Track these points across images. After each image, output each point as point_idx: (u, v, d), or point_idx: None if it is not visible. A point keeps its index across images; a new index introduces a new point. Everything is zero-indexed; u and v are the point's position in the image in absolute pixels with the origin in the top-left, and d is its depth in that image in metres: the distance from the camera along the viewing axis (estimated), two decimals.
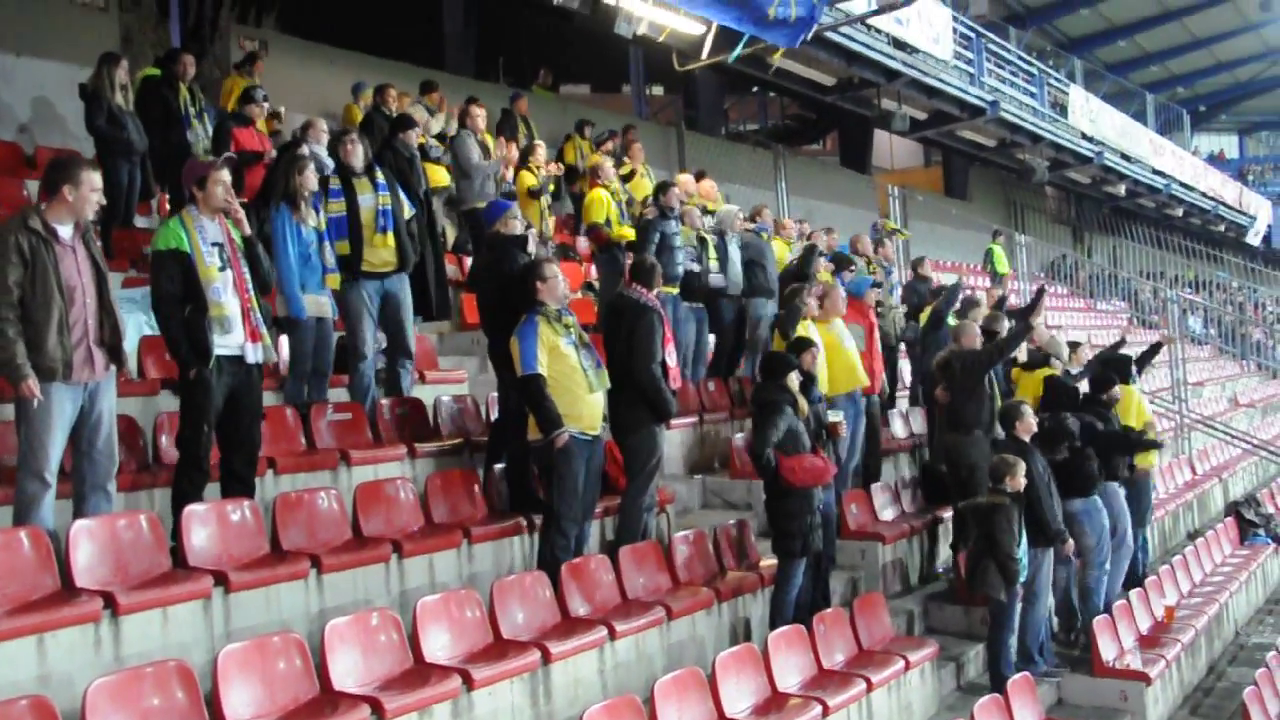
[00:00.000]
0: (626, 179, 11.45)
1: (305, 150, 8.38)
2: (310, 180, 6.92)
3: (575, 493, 6.22)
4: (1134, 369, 10.44)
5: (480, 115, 10.35)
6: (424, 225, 7.85)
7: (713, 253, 9.72)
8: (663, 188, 9.74)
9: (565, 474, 6.17)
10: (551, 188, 11.19)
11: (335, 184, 7.14)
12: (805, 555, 6.86)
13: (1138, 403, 10.17)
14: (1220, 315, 26.30)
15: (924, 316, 10.93)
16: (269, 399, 6.66)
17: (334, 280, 6.98)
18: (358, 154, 7.26)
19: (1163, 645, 8.50)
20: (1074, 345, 10.96)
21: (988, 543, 7.38)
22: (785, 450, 6.86)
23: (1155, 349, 12.07)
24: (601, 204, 10.02)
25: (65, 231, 4.89)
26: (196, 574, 4.94)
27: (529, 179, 10.64)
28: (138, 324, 6.85)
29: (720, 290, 9.77)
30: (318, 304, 6.90)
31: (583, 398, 6.23)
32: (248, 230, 5.64)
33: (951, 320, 10.29)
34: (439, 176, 10.29)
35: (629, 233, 9.94)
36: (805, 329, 8.30)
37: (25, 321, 4.73)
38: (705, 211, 10.51)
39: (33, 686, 4.13)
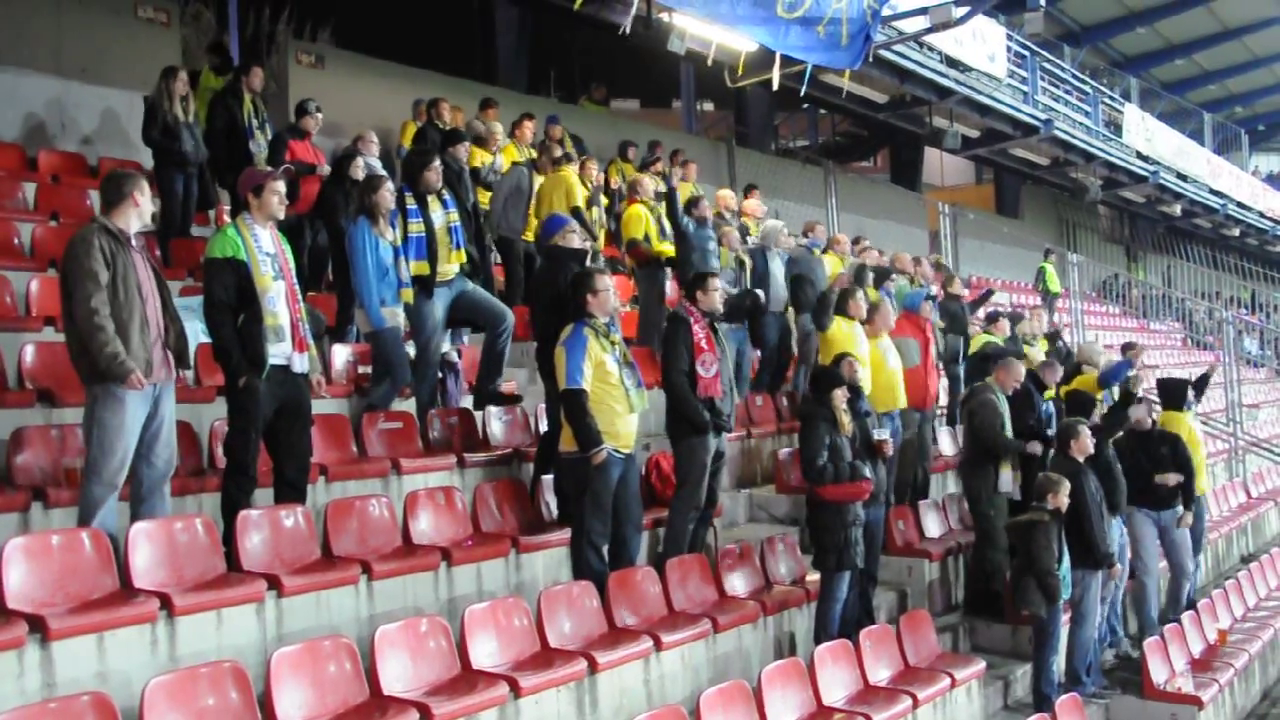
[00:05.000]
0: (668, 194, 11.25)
1: (360, 162, 8.53)
2: (387, 197, 7.02)
3: (606, 507, 6.21)
4: (1190, 393, 10.12)
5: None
6: (472, 236, 7.96)
7: (748, 275, 9.76)
8: (693, 202, 9.78)
9: (599, 490, 6.17)
10: (605, 201, 11.19)
11: (412, 204, 7.23)
12: (841, 569, 6.84)
13: (1190, 430, 9.85)
14: (1277, 336, 25.85)
15: (976, 341, 10.83)
16: (329, 407, 6.76)
17: (408, 295, 7.08)
18: (439, 180, 7.39)
19: (1215, 669, 8.39)
20: (1128, 346, 10.76)
21: (1028, 559, 7.35)
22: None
23: (1208, 375, 11.64)
24: (639, 220, 9.99)
25: (132, 238, 5.03)
26: (250, 577, 5.01)
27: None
28: (194, 331, 6.97)
29: (759, 308, 9.79)
30: (393, 316, 7.02)
31: (622, 415, 6.24)
32: None
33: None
34: (485, 198, 10.38)
35: (668, 249, 9.95)
36: (850, 336, 8.28)
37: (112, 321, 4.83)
38: (745, 233, 10.51)
39: (92, 683, 4.22)
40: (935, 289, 12.43)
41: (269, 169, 6.27)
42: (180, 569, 4.88)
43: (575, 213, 9.80)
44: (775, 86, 11.79)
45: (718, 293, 6.98)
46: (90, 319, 4.78)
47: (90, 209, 8.69)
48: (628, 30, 10.57)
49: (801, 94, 12.99)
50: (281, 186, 5.65)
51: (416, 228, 7.16)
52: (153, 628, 4.54)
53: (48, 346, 6.18)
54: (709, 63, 11.56)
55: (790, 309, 10.21)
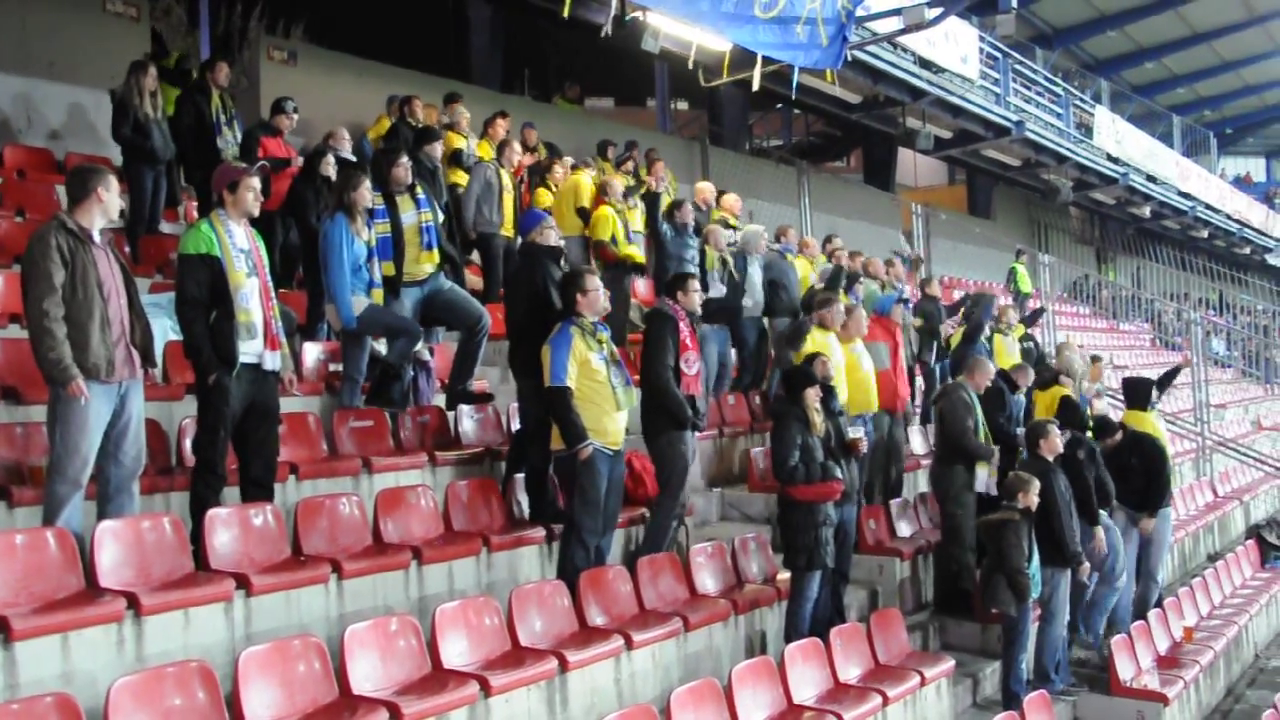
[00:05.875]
0: (649, 199, 11.08)
1: (331, 159, 8.48)
2: (365, 195, 6.99)
3: (597, 504, 6.24)
4: (1155, 392, 10.24)
5: (517, 153, 10.35)
6: (449, 234, 7.94)
7: (733, 274, 9.77)
8: (676, 205, 9.75)
9: (588, 486, 6.20)
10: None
11: (379, 203, 7.17)
12: (811, 569, 6.85)
13: (1155, 429, 9.93)
14: (1244, 337, 26.12)
15: (956, 337, 10.91)
16: (300, 405, 6.72)
17: (378, 295, 7.06)
18: (409, 176, 7.33)
19: (1181, 666, 8.47)
20: (1094, 359, 10.91)
21: (998, 558, 7.40)
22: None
23: (1175, 371, 11.94)
24: (607, 221, 9.95)
25: (96, 235, 4.99)
26: (218, 576, 4.98)
27: (546, 198, 10.56)
28: (163, 329, 6.92)
29: (739, 312, 9.80)
30: (361, 304, 6.97)
31: (609, 413, 6.26)
32: None
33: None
34: (464, 181, 10.34)
35: (635, 253, 9.92)
36: (824, 345, 8.30)
37: (69, 322, 4.81)
38: (727, 226, 10.52)
39: (57, 684, 4.17)
40: (908, 290, 12.53)
41: (244, 165, 6.23)
42: (148, 568, 4.84)
43: (581, 213, 9.83)
44: (755, 87, 11.81)
45: (697, 294, 7.02)
46: (39, 321, 4.76)
47: (58, 204, 8.60)
48: (609, 32, 10.56)
49: (792, 96, 13.00)
50: (257, 183, 5.61)
51: (382, 228, 7.14)
52: (119, 627, 4.50)
53: (12, 343, 6.11)
54: (690, 65, 11.56)
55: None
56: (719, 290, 9.63)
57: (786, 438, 6.94)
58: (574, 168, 10.29)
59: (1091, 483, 8.39)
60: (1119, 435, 9.27)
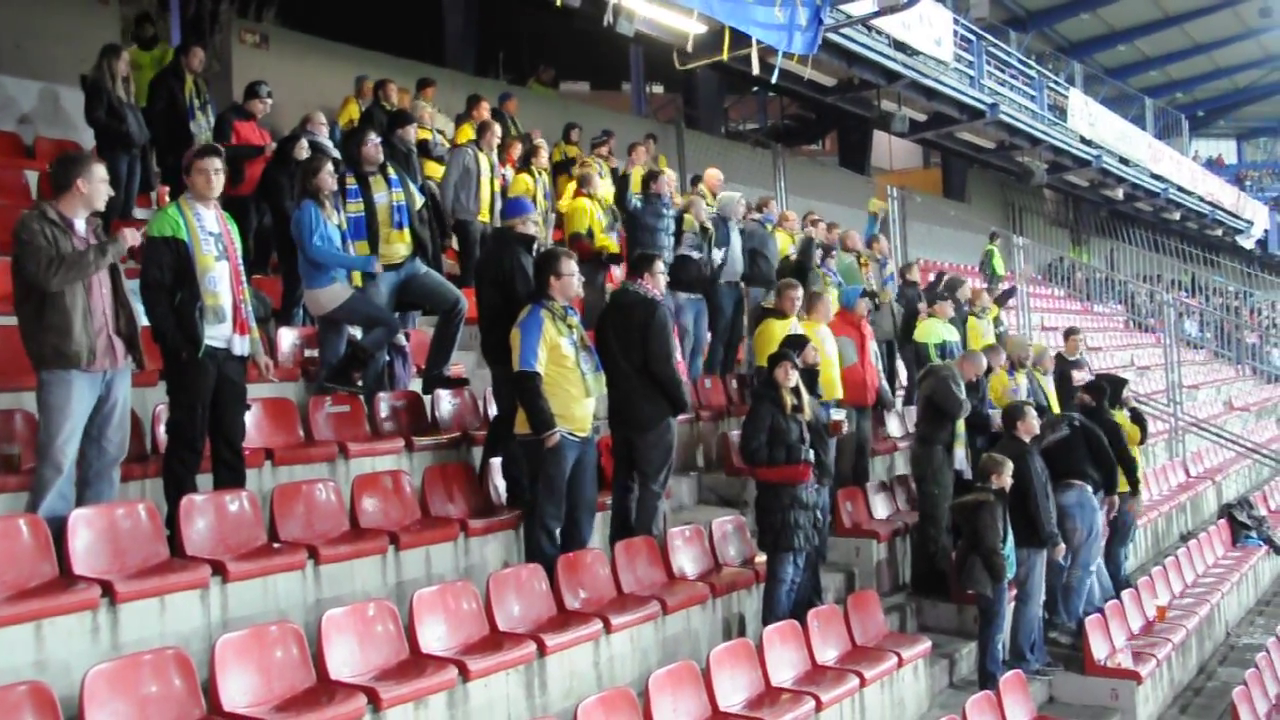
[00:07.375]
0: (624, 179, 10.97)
1: (304, 143, 8.41)
2: (327, 180, 6.94)
3: (560, 491, 6.18)
4: (1120, 392, 10.25)
5: (496, 134, 10.28)
6: (427, 217, 7.88)
7: (714, 238, 9.76)
8: (652, 176, 9.68)
9: (553, 473, 6.13)
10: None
11: (352, 183, 7.14)
12: (779, 550, 6.86)
13: (1123, 420, 9.97)
14: (1216, 319, 26.33)
15: (920, 327, 10.93)
16: (276, 390, 6.69)
17: (358, 278, 7.02)
18: (379, 154, 7.29)
19: (1154, 645, 8.55)
20: (1071, 331, 11.00)
21: (973, 539, 7.45)
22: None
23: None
24: (584, 213, 9.80)
25: (79, 225, 4.99)
26: (194, 563, 4.96)
27: (526, 182, 10.43)
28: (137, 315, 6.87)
29: (718, 276, 9.79)
30: (345, 289, 6.95)
31: (578, 399, 6.19)
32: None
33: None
34: (438, 173, 10.28)
35: (611, 243, 9.89)
36: (789, 329, 8.31)
37: (52, 308, 4.81)
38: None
39: (30, 673, 4.14)
40: (891, 265, 12.56)
41: (197, 148, 6.17)
42: (123, 555, 4.82)
43: (575, 238, 9.75)
44: (756, 70, 11.75)
45: (663, 275, 6.98)
46: (44, 275, 4.74)
47: (27, 188, 8.52)
48: (611, 20, 10.51)
49: (773, 80, 12.95)
50: (211, 164, 5.46)
51: (355, 208, 7.10)
52: (94, 615, 4.47)
53: None
54: (688, 48, 11.49)
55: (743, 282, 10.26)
56: (693, 254, 9.61)
57: (755, 419, 6.98)
58: (578, 194, 10.10)
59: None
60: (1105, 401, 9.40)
